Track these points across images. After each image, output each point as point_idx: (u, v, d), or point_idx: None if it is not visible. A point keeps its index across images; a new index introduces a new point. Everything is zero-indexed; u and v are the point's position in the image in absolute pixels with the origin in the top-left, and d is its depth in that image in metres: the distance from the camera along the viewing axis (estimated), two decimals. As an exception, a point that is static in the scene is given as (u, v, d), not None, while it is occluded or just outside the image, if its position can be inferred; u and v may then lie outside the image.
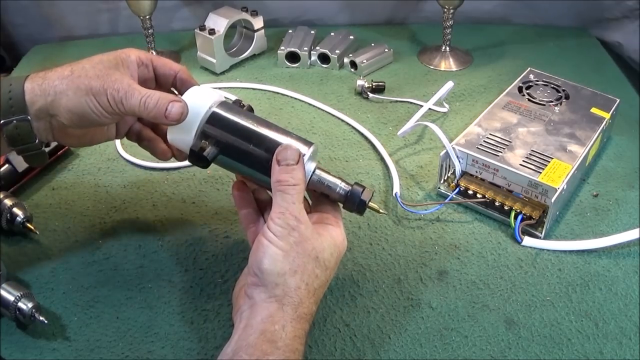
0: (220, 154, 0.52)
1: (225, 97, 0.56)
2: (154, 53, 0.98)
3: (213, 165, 0.53)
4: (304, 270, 0.47)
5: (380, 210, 0.55)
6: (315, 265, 0.48)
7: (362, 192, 0.52)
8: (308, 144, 0.52)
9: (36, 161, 0.55)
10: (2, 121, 0.51)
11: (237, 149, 0.52)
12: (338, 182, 0.53)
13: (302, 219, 0.48)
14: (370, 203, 0.53)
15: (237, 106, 0.55)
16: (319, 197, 0.54)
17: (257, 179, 0.53)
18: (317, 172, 0.53)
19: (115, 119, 0.53)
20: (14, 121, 0.51)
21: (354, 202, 0.52)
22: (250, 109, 0.56)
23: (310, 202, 0.56)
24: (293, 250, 0.47)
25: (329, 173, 0.54)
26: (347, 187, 0.53)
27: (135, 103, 0.50)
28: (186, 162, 0.55)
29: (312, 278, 0.48)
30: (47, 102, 0.51)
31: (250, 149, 0.51)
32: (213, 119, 0.52)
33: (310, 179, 0.53)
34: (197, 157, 0.51)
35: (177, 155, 0.58)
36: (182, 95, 0.53)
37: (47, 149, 0.71)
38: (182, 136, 0.52)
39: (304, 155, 0.50)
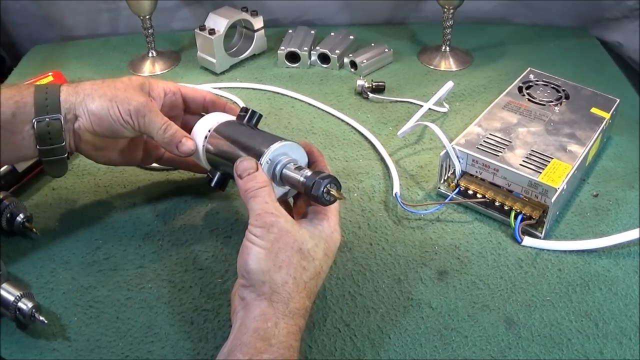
0: (223, 176, 0.60)
1: (234, 102, 0.61)
2: (154, 53, 0.98)
3: None
4: (289, 264, 0.48)
5: (338, 195, 0.51)
6: (301, 258, 0.49)
7: (314, 180, 0.51)
8: (273, 141, 0.54)
9: (57, 169, 0.59)
10: (35, 119, 0.55)
11: (225, 165, 0.58)
12: (298, 176, 0.52)
13: (279, 213, 0.49)
14: (331, 190, 0.51)
15: (230, 123, 0.61)
16: (302, 195, 0.55)
17: None
18: (284, 170, 0.54)
19: (128, 131, 0.59)
20: (47, 119, 0.56)
21: (309, 195, 0.51)
22: (259, 116, 0.62)
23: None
24: (274, 246, 0.48)
25: (299, 168, 0.53)
26: (304, 180, 0.52)
27: (156, 125, 0.58)
28: None
29: (300, 271, 0.48)
30: (77, 102, 0.57)
31: (228, 166, 0.56)
32: (207, 148, 0.60)
33: (279, 177, 0.54)
34: (211, 185, 0.60)
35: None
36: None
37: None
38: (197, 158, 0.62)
39: (260, 161, 0.53)
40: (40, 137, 0.56)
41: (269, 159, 0.53)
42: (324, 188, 0.50)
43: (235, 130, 0.60)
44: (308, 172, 0.52)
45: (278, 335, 0.45)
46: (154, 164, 0.72)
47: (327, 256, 0.51)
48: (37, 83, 0.59)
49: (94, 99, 0.56)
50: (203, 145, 0.60)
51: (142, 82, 0.60)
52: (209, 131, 0.60)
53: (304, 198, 0.56)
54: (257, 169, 0.51)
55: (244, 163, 0.52)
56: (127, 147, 0.64)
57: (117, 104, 0.56)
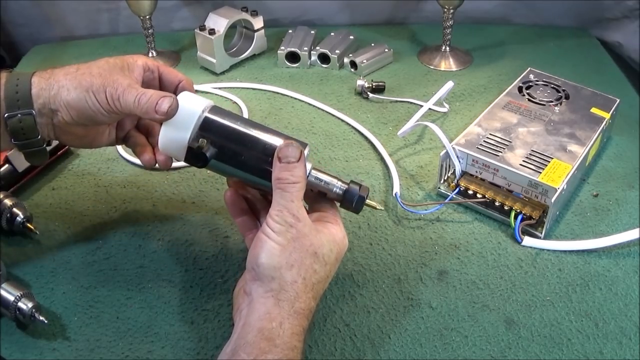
0: (218, 153, 0.52)
1: (234, 103, 0.58)
2: (154, 53, 0.98)
3: None
4: (300, 264, 0.48)
5: (378, 207, 0.55)
6: (314, 261, 0.48)
7: (359, 190, 0.53)
8: (303, 144, 0.53)
9: (37, 159, 0.56)
10: (6, 114, 0.52)
11: (233, 150, 0.52)
12: (335, 181, 0.53)
13: (301, 217, 0.49)
14: (367, 200, 0.53)
15: (229, 110, 0.55)
16: (316, 197, 0.54)
17: (251, 181, 0.53)
18: (314, 171, 0.53)
19: (112, 117, 0.54)
20: (19, 115, 0.52)
21: (352, 200, 0.53)
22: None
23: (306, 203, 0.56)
24: (290, 245, 0.48)
25: (325, 173, 0.54)
26: (344, 186, 0.53)
27: (130, 100, 0.51)
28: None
29: (310, 273, 0.48)
30: (50, 96, 0.52)
31: (246, 150, 0.52)
32: (208, 120, 0.52)
33: (307, 178, 0.53)
34: (195, 156, 0.51)
35: (161, 163, 0.58)
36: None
37: (48, 148, 0.71)
38: (179, 135, 0.51)
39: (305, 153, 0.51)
40: (13, 132, 0.52)
41: (306, 156, 0.52)
42: (366, 197, 0.53)
43: (240, 117, 0.54)
44: (339, 182, 0.53)
45: (282, 335, 0.45)
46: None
47: (337, 261, 0.51)
48: (8, 71, 0.53)
49: (69, 90, 0.52)
50: (200, 117, 0.52)
51: (122, 63, 0.55)
52: (207, 106, 0.53)
53: (314, 199, 0.55)
54: (299, 160, 0.50)
55: (290, 149, 0.50)
56: (113, 129, 0.60)
57: (94, 94, 0.52)
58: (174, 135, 0.52)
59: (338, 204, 0.54)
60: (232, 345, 0.46)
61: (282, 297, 0.47)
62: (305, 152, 0.52)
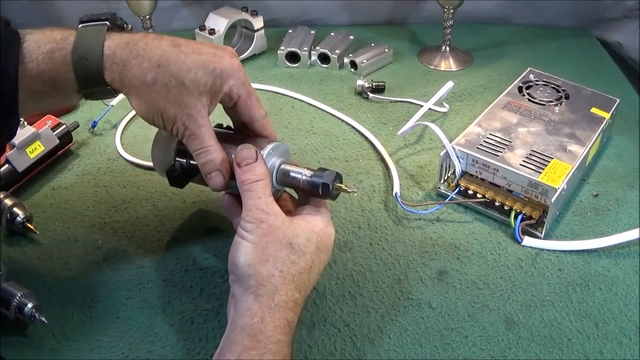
0: (191, 176, 0.57)
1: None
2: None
3: None
4: (276, 258, 0.47)
5: (349, 190, 0.52)
6: (290, 252, 0.48)
7: (323, 177, 0.51)
8: (270, 141, 0.54)
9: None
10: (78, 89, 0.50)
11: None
12: (302, 170, 0.53)
13: (270, 211, 0.49)
14: (337, 184, 0.52)
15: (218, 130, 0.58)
16: (301, 194, 0.55)
17: (233, 191, 0.54)
18: (283, 166, 0.54)
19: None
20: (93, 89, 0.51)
21: (317, 187, 0.51)
22: (229, 128, 0.59)
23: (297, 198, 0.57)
24: (263, 240, 0.48)
25: (294, 164, 0.54)
26: (308, 176, 0.52)
27: (191, 147, 0.52)
28: None
29: (288, 264, 0.48)
30: (122, 91, 0.51)
31: None
32: (181, 147, 0.55)
33: (276, 174, 0.53)
34: (172, 180, 0.56)
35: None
36: None
37: (46, 150, 0.71)
38: (163, 160, 0.57)
39: (261, 151, 0.52)
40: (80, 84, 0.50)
41: (271, 149, 0.53)
42: (333, 185, 0.51)
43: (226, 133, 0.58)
44: (307, 171, 0.53)
45: (265, 330, 0.45)
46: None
47: (320, 250, 0.50)
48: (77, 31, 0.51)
49: (140, 105, 0.50)
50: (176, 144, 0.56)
51: (213, 78, 0.51)
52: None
53: (301, 196, 0.56)
54: (257, 159, 0.50)
55: (244, 152, 0.50)
56: None
57: (164, 121, 0.51)
58: (159, 158, 0.58)
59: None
60: (220, 345, 0.46)
61: (261, 292, 0.47)
62: (268, 148, 0.53)
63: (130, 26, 0.55)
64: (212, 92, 0.52)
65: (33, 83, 0.49)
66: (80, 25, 0.52)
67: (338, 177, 0.52)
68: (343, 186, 0.52)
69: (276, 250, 0.48)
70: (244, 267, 0.47)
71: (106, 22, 0.52)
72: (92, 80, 0.50)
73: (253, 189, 0.49)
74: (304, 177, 0.52)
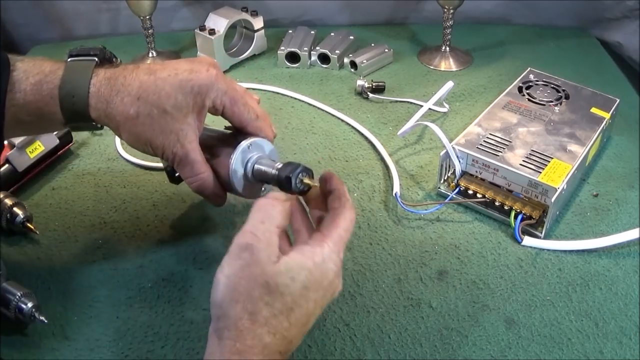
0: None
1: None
2: (154, 54, 0.98)
3: None
4: (247, 298, 0.41)
5: (312, 184, 0.50)
6: (264, 292, 0.42)
7: (287, 169, 0.50)
8: (251, 137, 0.54)
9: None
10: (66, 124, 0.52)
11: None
12: (275, 164, 0.52)
13: (264, 238, 0.43)
14: (303, 178, 0.50)
15: (210, 129, 0.58)
16: (315, 219, 0.50)
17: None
18: (259, 160, 0.54)
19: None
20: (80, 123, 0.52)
21: (282, 181, 0.50)
22: (229, 128, 0.58)
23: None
24: (237, 275, 0.42)
25: (273, 161, 0.53)
26: (276, 171, 0.51)
27: (183, 174, 0.55)
28: None
29: (260, 306, 0.41)
30: (108, 125, 0.52)
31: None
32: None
33: (252, 168, 0.54)
34: (170, 176, 0.62)
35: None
36: None
37: (46, 150, 0.71)
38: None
39: (238, 145, 0.53)
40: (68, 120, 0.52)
41: (249, 145, 0.54)
42: (296, 178, 0.50)
43: (210, 135, 0.58)
44: (279, 165, 0.52)
45: None
46: (154, 164, 0.73)
47: (309, 289, 0.43)
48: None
49: (125, 131, 0.51)
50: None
51: (198, 89, 0.51)
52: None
53: (306, 224, 0.50)
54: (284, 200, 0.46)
55: (269, 198, 0.46)
56: None
57: (153, 150, 0.52)
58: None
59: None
60: None
61: (224, 335, 0.41)
62: (245, 143, 0.53)
63: (119, 60, 0.56)
64: (196, 110, 0.52)
65: (19, 113, 0.50)
66: (69, 59, 0.53)
67: (305, 170, 0.50)
68: (308, 181, 0.50)
69: (249, 289, 0.42)
70: (215, 305, 0.42)
71: (94, 57, 0.53)
72: (78, 116, 0.51)
73: (260, 210, 0.45)
74: (272, 172, 0.52)
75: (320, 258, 0.44)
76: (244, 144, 0.54)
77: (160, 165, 0.73)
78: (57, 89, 0.50)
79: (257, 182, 0.55)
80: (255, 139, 0.55)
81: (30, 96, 0.50)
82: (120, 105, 0.50)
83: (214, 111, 0.54)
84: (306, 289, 0.43)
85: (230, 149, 0.54)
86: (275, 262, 0.43)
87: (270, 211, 0.44)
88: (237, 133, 0.56)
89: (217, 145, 0.56)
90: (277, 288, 0.42)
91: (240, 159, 0.54)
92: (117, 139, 0.78)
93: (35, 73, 0.50)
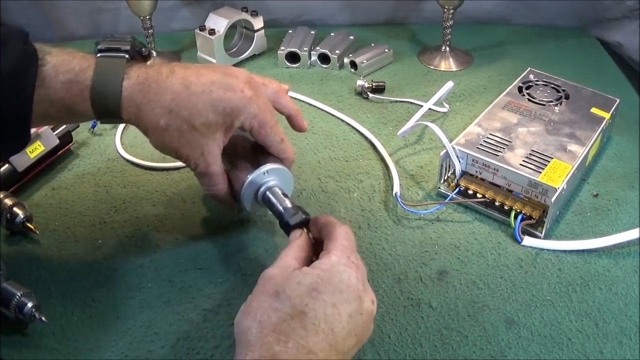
0: None
1: None
2: (154, 54, 0.98)
3: None
4: (257, 309, 0.42)
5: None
6: (274, 300, 0.43)
7: (291, 217, 0.53)
8: (273, 162, 0.57)
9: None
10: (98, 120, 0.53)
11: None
12: (284, 201, 0.55)
13: (279, 264, 0.46)
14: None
15: (238, 134, 0.59)
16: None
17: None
18: (272, 189, 0.57)
19: None
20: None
21: (282, 223, 0.54)
22: None
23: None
24: (253, 294, 0.44)
25: (285, 196, 0.56)
26: (282, 210, 0.55)
27: (201, 182, 0.57)
28: None
29: (269, 313, 0.42)
30: (139, 129, 0.53)
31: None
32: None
33: (262, 193, 0.57)
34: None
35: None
36: None
37: (46, 150, 0.71)
38: None
39: (256, 169, 0.56)
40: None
41: (267, 170, 0.57)
42: (295, 226, 0.53)
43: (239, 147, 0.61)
44: (288, 203, 0.55)
45: None
46: (154, 164, 0.73)
47: (318, 291, 0.43)
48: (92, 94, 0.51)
49: (153, 137, 0.53)
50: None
51: (230, 110, 0.53)
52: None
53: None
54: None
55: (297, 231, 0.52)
56: None
57: (178, 158, 0.55)
58: None
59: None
60: None
61: (237, 352, 0.42)
62: (264, 168, 0.56)
63: (148, 50, 0.56)
64: (224, 128, 0.54)
65: (49, 108, 0.50)
66: (98, 55, 0.52)
67: (304, 222, 0.53)
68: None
69: (260, 301, 0.43)
70: (234, 327, 0.43)
71: (125, 54, 0.52)
72: (109, 115, 0.52)
73: (289, 247, 0.49)
74: (279, 208, 0.55)
75: (328, 265, 0.45)
76: (262, 169, 0.56)
77: (160, 165, 0.73)
78: (88, 90, 0.50)
79: (264, 206, 0.58)
80: (274, 165, 0.57)
81: (61, 93, 0.50)
82: (151, 114, 0.51)
83: (242, 129, 0.55)
84: (315, 290, 0.43)
85: (248, 167, 0.57)
86: (290, 274, 0.44)
87: (292, 245, 0.49)
88: (260, 149, 0.58)
89: (239, 157, 0.59)
90: (285, 292, 0.43)
91: (254, 182, 0.57)
92: (117, 139, 0.78)
93: (64, 70, 0.50)
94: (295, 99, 0.89)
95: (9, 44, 0.49)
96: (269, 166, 0.57)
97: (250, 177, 0.56)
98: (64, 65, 0.50)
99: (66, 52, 0.52)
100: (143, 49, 0.54)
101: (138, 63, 0.53)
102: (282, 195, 0.56)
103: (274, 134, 0.57)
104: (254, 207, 0.59)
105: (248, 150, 0.60)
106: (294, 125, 0.62)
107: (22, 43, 0.50)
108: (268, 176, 0.57)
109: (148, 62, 0.54)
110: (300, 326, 0.41)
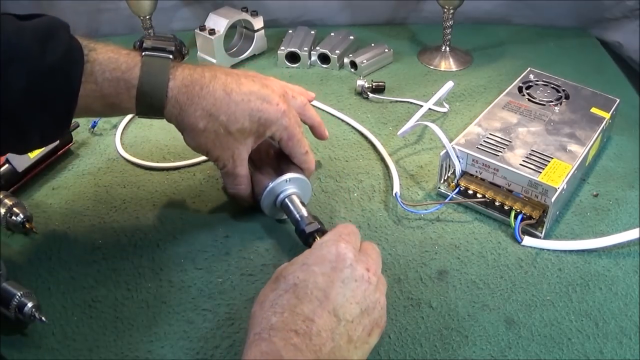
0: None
1: None
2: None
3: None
4: (261, 295, 0.47)
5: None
6: (273, 282, 0.48)
7: (309, 227, 0.57)
8: (295, 172, 0.61)
9: None
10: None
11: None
12: (301, 210, 0.60)
13: (296, 260, 0.49)
14: (317, 238, 0.56)
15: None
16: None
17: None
18: (290, 197, 0.61)
19: None
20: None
21: (298, 230, 0.59)
22: None
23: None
24: (261, 290, 0.48)
25: (302, 205, 0.60)
26: (299, 218, 0.59)
27: (226, 181, 0.62)
28: (186, 162, 0.59)
29: (268, 294, 0.47)
30: (177, 128, 0.57)
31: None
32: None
33: (281, 200, 0.61)
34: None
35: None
36: None
37: (46, 150, 0.71)
38: None
39: (278, 178, 0.61)
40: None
41: (288, 179, 0.61)
42: (312, 236, 0.57)
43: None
44: (305, 212, 0.59)
45: None
46: (154, 164, 0.73)
47: (308, 264, 0.47)
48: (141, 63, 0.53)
49: (189, 136, 0.57)
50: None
51: (264, 121, 0.58)
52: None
53: None
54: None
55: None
56: None
57: (209, 157, 0.59)
58: None
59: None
60: None
61: (248, 333, 0.45)
62: (285, 177, 0.60)
63: (187, 49, 0.59)
64: (255, 136, 0.59)
65: (93, 103, 0.53)
66: (144, 53, 0.54)
67: (321, 231, 0.57)
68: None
69: (264, 289, 0.48)
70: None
71: (170, 54, 0.54)
72: (152, 112, 0.55)
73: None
74: (296, 216, 0.59)
75: (318, 243, 0.51)
76: (284, 177, 0.61)
77: (160, 165, 0.73)
78: (134, 89, 0.53)
79: (281, 211, 0.62)
80: (295, 175, 0.61)
81: (107, 90, 0.52)
82: (192, 116, 0.55)
83: (271, 138, 0.61)
84: (305, 264, 0.47)
85: (271, 173, 0.62)
86: (293, 262, 0.49)
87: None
88: (284, 157, 0.63)
89: (263, 162, 0.64)
90: (281, 274, 0.48)
91: (275, 189, 0.61)
92: (117, 139, 0.78)
93: (111, 68, 0.52)
94: (295, 99, 0.89)
95: (57, 36, 0.50)
96: (290, 175, 0.61)
97: (272, 184, 0.60)
98: (110, 63, 0.52)
99: (110, 49, 0.53)
100: (183, 48, 0.58)
101: (180, 63, 0.56)
102: (299, 204, 0.60)
103: (299, 146, 0.61)
104: (272, 211, 0.63)
105: (272, 156, 0.64)
106: (317, 134, 0.68)
107: (69, 36, 0.51)
108: (289, 184, 0.61)
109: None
110: (294, 297, 0.45)
